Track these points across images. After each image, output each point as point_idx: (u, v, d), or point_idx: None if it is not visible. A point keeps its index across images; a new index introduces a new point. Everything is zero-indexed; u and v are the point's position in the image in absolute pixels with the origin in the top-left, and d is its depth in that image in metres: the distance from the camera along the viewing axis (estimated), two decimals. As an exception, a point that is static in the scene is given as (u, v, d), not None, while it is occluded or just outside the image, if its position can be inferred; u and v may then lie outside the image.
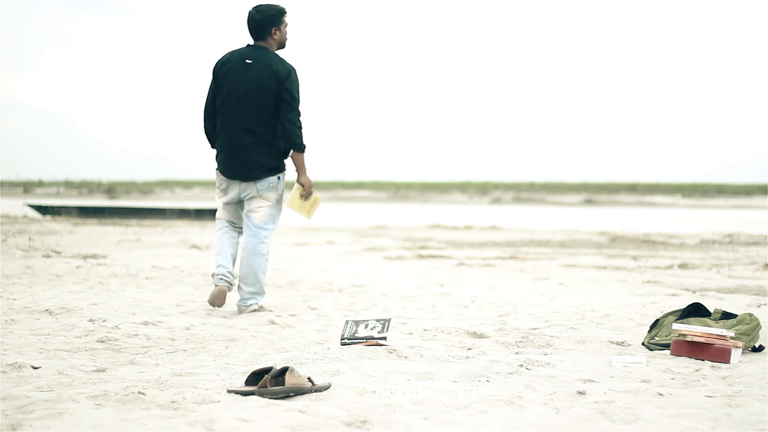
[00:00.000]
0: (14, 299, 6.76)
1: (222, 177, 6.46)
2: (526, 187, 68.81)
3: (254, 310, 6.40)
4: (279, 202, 6.50)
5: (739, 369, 4.50)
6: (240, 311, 6.42)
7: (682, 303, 6.91)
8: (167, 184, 69.97)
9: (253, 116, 6.29)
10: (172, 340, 5.23)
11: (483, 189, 68.27)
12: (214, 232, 6.73)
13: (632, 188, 66.46)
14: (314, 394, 3.78)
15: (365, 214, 34.94)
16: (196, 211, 25.46)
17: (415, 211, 40.52)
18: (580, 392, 3.86)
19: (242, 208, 6.51)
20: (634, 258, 12.40)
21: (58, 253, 11.21)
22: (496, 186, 69.96)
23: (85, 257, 10.75)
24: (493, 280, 9.20)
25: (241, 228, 6.58)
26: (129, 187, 66.58)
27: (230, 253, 6.49)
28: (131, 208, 27.16)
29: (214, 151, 6.58)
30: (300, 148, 6.37)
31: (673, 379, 4.29)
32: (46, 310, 6.15)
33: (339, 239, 16.67)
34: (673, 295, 7.87)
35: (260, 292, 6.47)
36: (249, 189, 6.39)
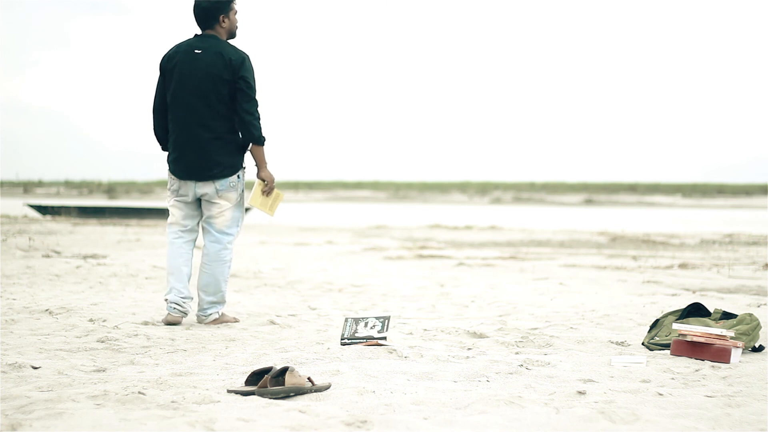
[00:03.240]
0: (14, 299, 6.76)
1: (174, 178, 5.90)
2: (526, 187, 68.81)
3: (215, 320, 5.93)
4: (241, 203, 5.97)
5: (739, 369, 4.50)
6: (199, 321, 5.94)
7: (682, 303, 6.91)
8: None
9: (207, 110, 5.76)
10: (172, 340, 5.23)
11: (483, 189, 68.27)
12: (166, 241, 6.09)
13: (632, 188, 66.48)
14: (314, 394, 3.78)
15: (365, 214, 34.93)
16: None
17: (415, 211, 40.51)
18: (580, 392, 3.86)
19: (198, 207, 5.97)
20: (634, 258, 12.40)
21: (58, 253, 11.21)
22: (496, 186, 69.97)
23: (85, 257, 10.75)
24: (493, 280, 9.20)
25: (195, 230, 6.03)
26: (129, 187, 66.58)
27: (185, 273, 5.91)
28: (131, 208, 27.17)
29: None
30: (259, 141, 5.82)
31: (673, 379, 4.29)
32: (46, 310, 6.15)
33: (339, 239, 16.67)
34: (673, 295, 7.87)
35: (221, 302, 5.97)
36: (206, 189, 5.83)
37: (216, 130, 5.78)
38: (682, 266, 10.83)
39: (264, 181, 5.97)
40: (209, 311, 5.92)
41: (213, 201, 5.85)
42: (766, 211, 46.84)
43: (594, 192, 64.89)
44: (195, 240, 6.04)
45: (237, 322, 5.99)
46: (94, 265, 9.70)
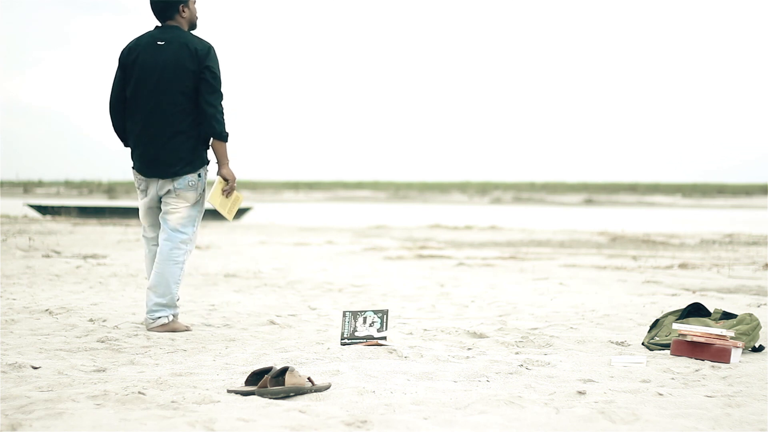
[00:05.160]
0: (14, 299, 6.76)
1: (139, 176, 5.65)
2: (526, 187, 68.82)
3: (163, 325, 5.52)
4: (200, 203, 5.66)
5: (739, 369, 4.50)
6: (147, 325, 5.54)
7: (682, 303, 6.91)
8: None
9: (169, 104, 5.49)
10: (172, 340, 5.23)
11: (483, 189, 68.28)
12: (142, 251, 5.72)
13: (632, 188, 66.50)
14: (314, 394, 3.78)
15: (365, 214, 34.93)
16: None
17: (415, 211, 40.51)
18: (580, 392, 3.86)
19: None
20: (634, 258, 12.40)
21: (58, 253, 11.21)
22: (496, 186, 69.98)
23: (85, 257, 10.75)
24: (493, 280, 9.20)
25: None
26: (129, 187, 66.52)
27: None
28: (131, 208, 27.15)
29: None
30: (221, 136, 5.50)
31: (673, 379, 4.29)
32: (46, 310, 6.15)
33: (339, 239, 16.67)
34: (673, 295, 7.87)
35: (171, 305, 5.54)
36: (166, 186, 5.56)
37: (178, 124, 5.51)
38: (682, 266, 10.83)
39: (225, 179, 5.63)
40: (157, 314, 5.53)
41: (170, 198, 5.59)
42: (766, 211, 46.85)
43: (594, 192, 64.89)
44: None
45: (189, 330, 5.60)
46: (94, 265, 9.70)
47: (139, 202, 5.78)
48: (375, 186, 71.68)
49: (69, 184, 66.81)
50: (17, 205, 32.61)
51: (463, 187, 70.37)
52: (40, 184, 67.90)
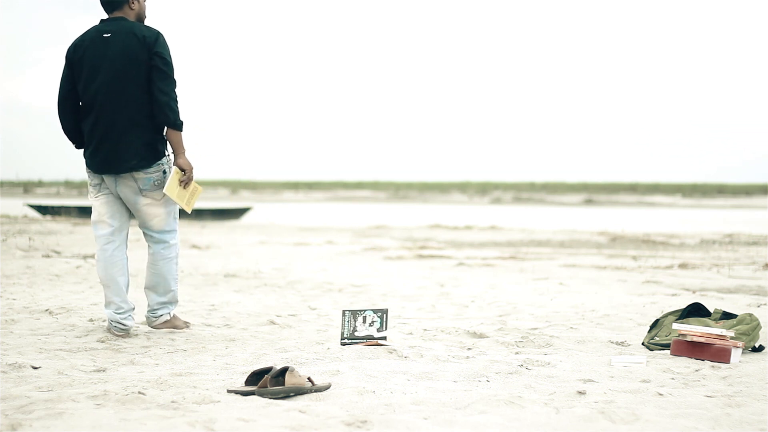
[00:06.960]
0: (14, 299, 6.76)
1: (93, 174, 5.41)
2: (526, 187, 68.83)
3: (166, 322, 5.56)
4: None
5: (739, 369, 4.50)
6: (149, 323, 5.56)
7: (682, 303, 6.91)
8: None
9: (123, 96, 5.25)
10: (172, 340, 5.23)
11: (483, 189, 68.29)
12: (95, 247, 5.63)
13: (632, 188, 66.51)
14: (314, 394, 3.78)
15: (365, 214, 34.94)
16: (195, 211, 25.43)
17: (415, 211, 40.51)
18: (580, 392, 3.87)
19: (123, 202, 5.49)
20: (634, 258, 12.40)
21: (58, 253, 11.22)
22: (496, 186, 70.00)
23: (85, 257, 10.75)
24: (493, 280, 9.20)
25: (125, 227, 5.52)
26: (129, 187, 66.52)
27: (122, 283, 5.42)
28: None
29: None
30: (175, 124, 5.28)
31: (673, 379, 4.29)
32: (46, 310, 6.15)
33: (339, 239, 16.67)
34: (673, 295, 7.87)
35: (172, 302, 5.57)
36: (128, 188, 5.36)
37: (133, 117, 5.28)
38: (682, 266, 10.83)
39: (182, 169, 5.40)
40: (160, 312, 5.55)
41: (140, 206, 5.41)
42: (766, 211, 46.85)
43: (594, 192, 64.89)
44: (126, 239, 5.55)
45: (188, 326, 5.64)
46: (94, 265, 9.70)
47: (92, 198, 5.49)
48: (375, 186, 71.70)
49: (69, 184, 66.81)
50: (17, 205, 32.61)
51: (463, 187, 70.38)
52: (40, 184, 67.91)
